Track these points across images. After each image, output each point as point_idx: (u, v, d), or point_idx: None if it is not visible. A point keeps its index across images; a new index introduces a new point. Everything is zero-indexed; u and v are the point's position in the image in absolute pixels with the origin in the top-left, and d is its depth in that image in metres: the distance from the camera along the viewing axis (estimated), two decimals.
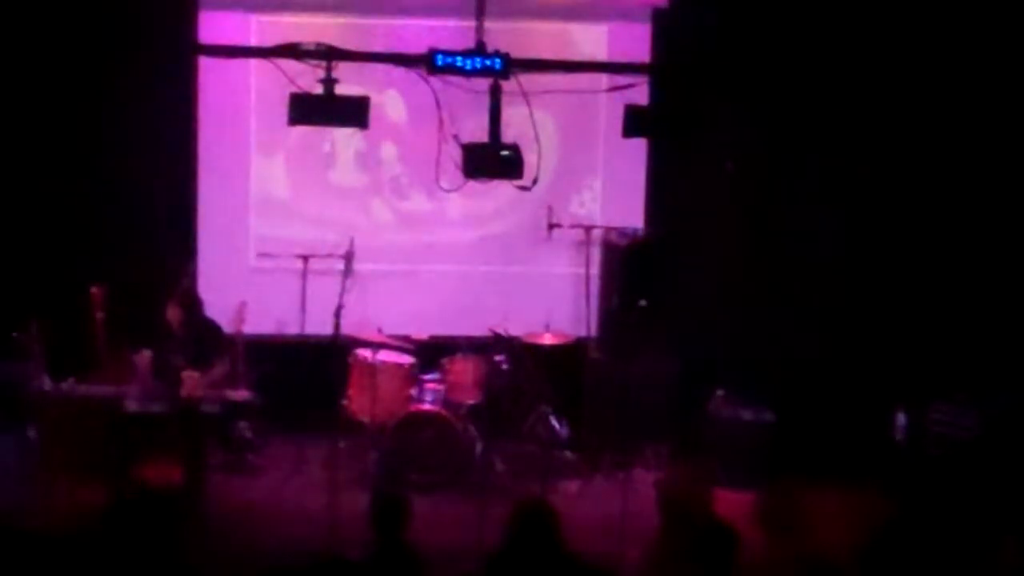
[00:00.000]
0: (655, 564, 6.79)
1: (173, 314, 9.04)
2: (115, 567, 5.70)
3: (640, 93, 9.40)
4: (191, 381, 8.63)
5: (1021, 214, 9.97)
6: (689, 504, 6.97)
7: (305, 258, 9.84)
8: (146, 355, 8.95)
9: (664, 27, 10.50)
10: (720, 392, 9.87)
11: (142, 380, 8.69)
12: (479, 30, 8.64)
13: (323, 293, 9.41)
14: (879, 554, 6.26)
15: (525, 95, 8.78)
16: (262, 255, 10.31)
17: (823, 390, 10.01)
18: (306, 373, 9.78)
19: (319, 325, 9.43)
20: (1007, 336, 9.77)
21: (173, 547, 5.88)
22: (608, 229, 10.46)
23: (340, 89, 8.52)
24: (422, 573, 6.15)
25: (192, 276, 10.06)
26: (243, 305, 9.72)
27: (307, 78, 8.61)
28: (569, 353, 10.15)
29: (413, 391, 9.72)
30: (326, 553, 7.35)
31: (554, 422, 10.01)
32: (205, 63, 10.29)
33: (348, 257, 9.40)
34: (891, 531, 6.78)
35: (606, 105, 10.21)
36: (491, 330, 9.97)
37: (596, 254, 10.46)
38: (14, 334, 8.67)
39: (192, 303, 9.16)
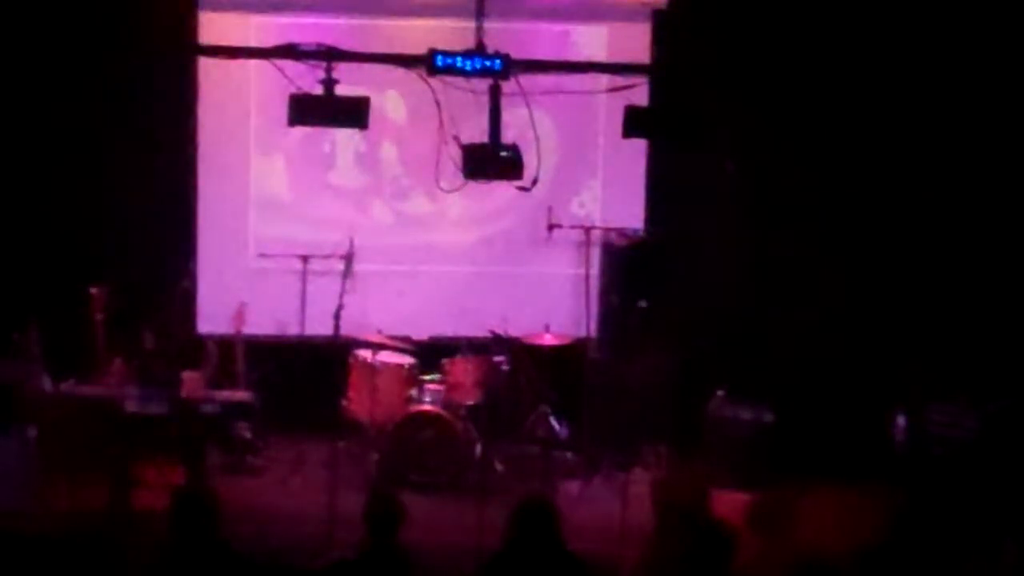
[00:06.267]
0: (651, 565, 6.77)
1: (147, 338, 9.10)
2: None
3: (640, 94, 9.40)
4: (191, 382, 8.63)
5: (1020, 216, 9.97)
6: (686, 506, 6.95)
7: (305, 259, 9.83)
8: (118, 364, 8.98)
9: (664, 27, 10.49)
10: (720, 392, 9.86)
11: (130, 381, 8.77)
12: (479, 31, 8.63)
13: (323, 294, 9.42)
14: (879, 555, 6.27)
15: (525, 96, 8.78)
16: (262, 255, 10.29)
17: (823, 390, 10.01)
18: (306, 373, 9.80)
19: (319, 326, 9.43)
20: (1006, 337, 9.77)
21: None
22: (608, 229, 10.46)
23: (340, 90, 8.51)
24: (411, 574, 6.14)
25: (192, 277, 10.08)
26: (243, 305, 9.73)
27: (307, 79, 8.60)
28: (569, 353, 10.15)
29: (413, 392, 9.73)
30: (325, 555, 7.35)
31: (554, 422, 10.02)
32: (205, 63, 10.29)
33: (348, 258, 9.40)
34: (892, 532, 6.78)
35: (606, 105, 10.19)
36: (491, 331, 9.97)
37: (596, 254, 10.45)
38: (14, 334, 8.67)
39: (168, 326, 9.23)
